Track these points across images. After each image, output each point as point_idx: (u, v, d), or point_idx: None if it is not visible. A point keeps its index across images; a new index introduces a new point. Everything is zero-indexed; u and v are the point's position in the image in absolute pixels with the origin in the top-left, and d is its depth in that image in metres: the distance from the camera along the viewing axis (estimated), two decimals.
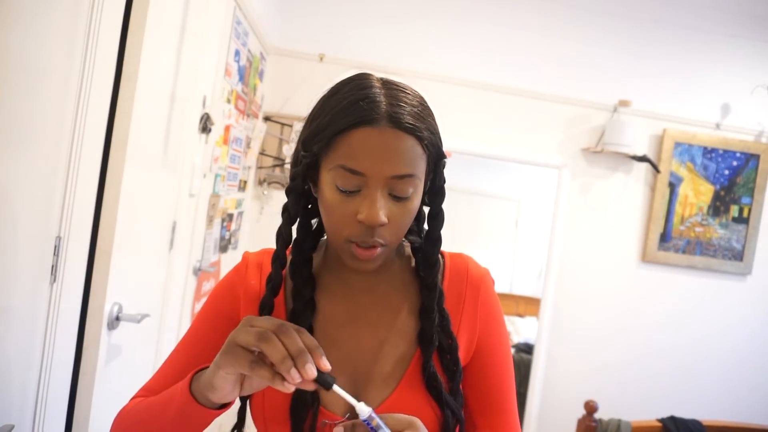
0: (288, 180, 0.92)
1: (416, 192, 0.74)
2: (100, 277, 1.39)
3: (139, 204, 1.54)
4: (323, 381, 0.63)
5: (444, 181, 0.81)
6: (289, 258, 0.84)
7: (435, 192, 0.81)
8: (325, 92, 0.78)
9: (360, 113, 0.70)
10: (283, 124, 3.14)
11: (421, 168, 0.74)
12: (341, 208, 0.72)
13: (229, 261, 2.78)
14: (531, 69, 3.24)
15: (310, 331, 0.80)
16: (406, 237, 0.87)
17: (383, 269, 0.83)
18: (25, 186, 1.04)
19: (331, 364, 0.75)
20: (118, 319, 1.47)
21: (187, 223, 2.01)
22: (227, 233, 2.68)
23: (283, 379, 0.62)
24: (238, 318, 0.83)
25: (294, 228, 0.82)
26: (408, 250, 0.88)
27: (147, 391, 0.84)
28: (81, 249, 1.26)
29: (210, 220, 2.30)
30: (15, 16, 0.95)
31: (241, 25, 2.36)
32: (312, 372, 0.62)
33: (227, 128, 2.35)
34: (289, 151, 3.14)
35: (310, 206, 0.83)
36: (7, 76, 0.95)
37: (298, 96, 3.13)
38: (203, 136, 2.01)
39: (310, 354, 0.63)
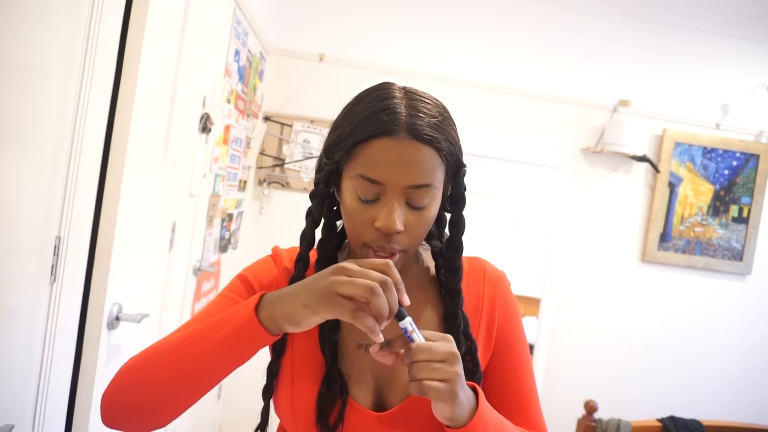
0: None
1: (433, 201, 0.76)
2: (100, 277, 1.39)
3: (139, 204, 1.54)
4: (400, 315, 0.69)
5: (464, 189, 0.82)
6: (314, 257, 0.86)
7: (455, 199, 0.82)
8: (349, 101, 0.80)
9: (380, 124, 0.73)
10: (283, 124, 3.14)
11: (438, 178, 0.75)
12: (360, 215, 0.75)
13: (229, 261, 2.78)
14: (531, 69, 3.24)
15: (336, 326, 0.81)
16: (427, 241, 0.89)
17: (404, 272, 0.85)
18: (25, 186, 1.04)
19: (355, 363, 0.80)
20: (118, 319, 1.47)
21: (187, 223, 2.01)
22: (227, 233, 2.68)
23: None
24: None
25: (319, 229, 0.84)
26: (427, 254, 0.90)
27: None
28: (81, 249, 1.26)
29: (210, 220, 2.30)
30: (15, 16, 0.95)
31: (240, 25, 2.36)
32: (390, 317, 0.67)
33: (227, 128, 2.35)
34: (288, 150, 3.14)
35: (335, 208, 0.85)
36: (7, 76, 0.95)
37: (298, 96, 3.13)
38: (203, 136, 2.01)
39: (396, 289, 0.67)
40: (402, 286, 0.67)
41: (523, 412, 0.84)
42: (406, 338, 0.69)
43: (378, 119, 0.73)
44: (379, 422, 0.79)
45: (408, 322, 0.69)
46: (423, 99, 0.77)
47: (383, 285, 0.65)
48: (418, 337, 0.69)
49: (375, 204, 0.74)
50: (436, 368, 0.66)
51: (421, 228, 0.76)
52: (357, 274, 0.65)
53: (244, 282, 0.86)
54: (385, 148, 0.72)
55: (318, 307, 0.66)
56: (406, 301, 0.67)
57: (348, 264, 0.67)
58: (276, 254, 0.89)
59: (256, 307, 0.69)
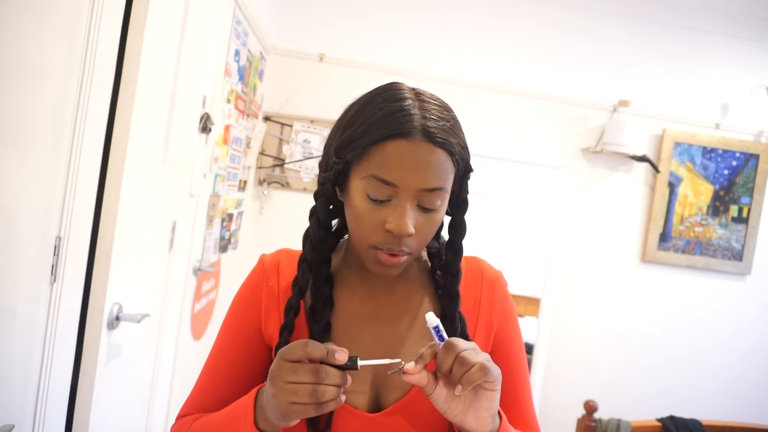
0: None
1: (443, 204, 0.76)
2: (100, 277, 1.39)
3: (139, 204, 1.54)
4: (350, 367, 0.68)
5: (467, 192, 0.82)
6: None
7: (459, 203, 0.82)
8: (357, 100, 0.79)
9: (395, 125, 0.72)
10: (283, 124, 3.14)
11: (449, 181, 0.75)
12: (370, 216, 0.74)
13: (229, 261, 2.78)
14: (531, 69, 3.24)
15: (328, 327, 0.81)
16: None
17: (405, 272, 0.86)
18: (25, 186, 1.04)
19: None
20: (118, 319, 1.47)
21: (187, 223, 2.01)
22: (227, 233, 2.68)
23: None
24: (261, 323, 0.85)
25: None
26: (424, 253, 0.90)
27: (192, 408, 0.86)
28: (81, 249, 1.26)
29: (210, 220, 2.30)
30: (15, 16, 0.95)
31: (241, 25, 2.36)
32: (345, 380, 0.67)
33: (227, 128, 2.35)
34: (288, 150, 3.14)
35: (331, 207, 0.83)
36: (7, 76, 0.95)
37: (298, 96, 3.13)
38: (203, 136, 2.01)
39: (331, 357, 0.67)
40: (333, 353, 0.67)
41: (517, 413, 0.85)
42: (434, 345, 0.69)
43: (393, 120, 0.72)
44: (372, 423, 0.79)
45: (437, 322, 0.69)
46: (433, 101, 0.76)
47: (316, 377, 0.65)
48: (444, 336, 0.69)
49: (386, 205, 0.73)
50: (466, 357, 0.66)
51: (430, 230, 0.76)
52: (291, 379, 0.66)
53: (240, 307, 0.87)
54: (400, 149, 0.71)
55: (290, 419, 0.68)
56: (342, 359, 0.67)
57: (276, 370, 0.67)
58: (260, 264, 0.88)
59: (255, 421, 0.72)
